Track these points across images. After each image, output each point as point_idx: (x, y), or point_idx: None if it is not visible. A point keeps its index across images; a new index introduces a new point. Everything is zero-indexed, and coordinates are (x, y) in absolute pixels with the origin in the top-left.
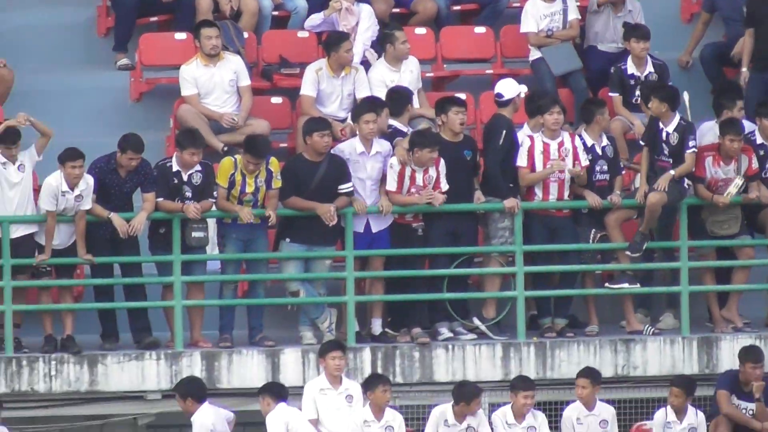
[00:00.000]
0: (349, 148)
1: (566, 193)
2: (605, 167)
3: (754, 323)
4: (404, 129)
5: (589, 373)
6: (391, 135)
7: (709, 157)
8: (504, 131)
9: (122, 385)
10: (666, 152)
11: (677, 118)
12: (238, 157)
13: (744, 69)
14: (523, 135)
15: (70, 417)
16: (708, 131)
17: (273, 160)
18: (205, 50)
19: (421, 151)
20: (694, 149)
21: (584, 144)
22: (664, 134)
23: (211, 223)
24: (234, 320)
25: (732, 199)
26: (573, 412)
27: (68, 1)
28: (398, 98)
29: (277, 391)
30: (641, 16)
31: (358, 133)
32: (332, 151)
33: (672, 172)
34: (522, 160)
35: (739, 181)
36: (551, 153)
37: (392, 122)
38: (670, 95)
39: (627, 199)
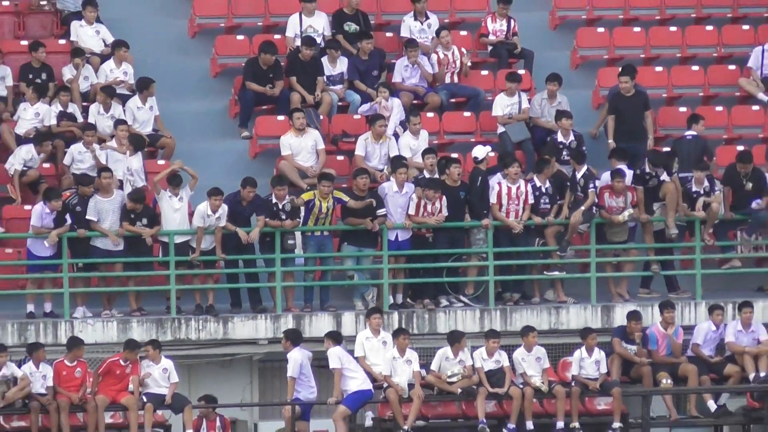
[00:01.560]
0: (389, 187)
1: (520, 217)
2: (547, 200)
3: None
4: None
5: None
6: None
7: (606, 193)
8: (479, 178)
9: (243, 335)
10: (579, 190)
11: (584, 168)
12: (315, 191)
13: (610, 140)
14: (494, 181)
15: (211, 355)
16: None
17: (338, 192)
18: (296, 126)
19: (429, 191)
20: (594, 189)
21: (534, 185)
22: (577, 178)
23: (298, 234)
24: (312, 295)
25: (621, 219)
26: (518, 354)
27: (210, 96)
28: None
29: (335, 337)
30: (567, 104)
31: (394, 179)
32: (379, 188)
33: (583, 207)
34: (493, 198)
35: (630, 210)
36: (512, 194)
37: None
38: (575, 155)
39: (558, 219)
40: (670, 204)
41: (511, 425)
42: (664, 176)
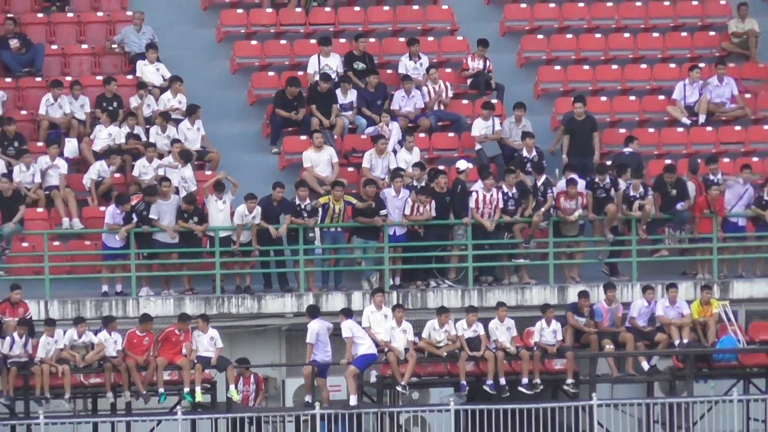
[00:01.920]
0: (388, 192)
1: (492, 218)
2: (513, 203)
3: (585, 279)
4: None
5: (502, 304)
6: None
7: (562, 197)
8: (459, 186)
9: (273, 309)
10: (540, 195)
11: (544, 178)
12: (330, 196)
13: (564, 156)
14: (473, 190)
15: (248, 326)
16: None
17: (348, 196)
18: (315, 144)
19: (421, 196)
20: (551, 194)
21: (503, 192)
22: (538, 186)
23: (317, 230)
24: (329, 278)
25: (574, 218)
26: (492, 324)
27: (247, 120)
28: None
29: (346, 312)
30: (530, 127)
31: (393, 186)
32: (380, 193)
33: (543, 208)
34: (472, 203)
35: (580, 210)
36: (486, 199)
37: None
38: (536, 167)
39: (522, 218)
40: (608, 222)
41: (490, 382)
42: (612, 192)
